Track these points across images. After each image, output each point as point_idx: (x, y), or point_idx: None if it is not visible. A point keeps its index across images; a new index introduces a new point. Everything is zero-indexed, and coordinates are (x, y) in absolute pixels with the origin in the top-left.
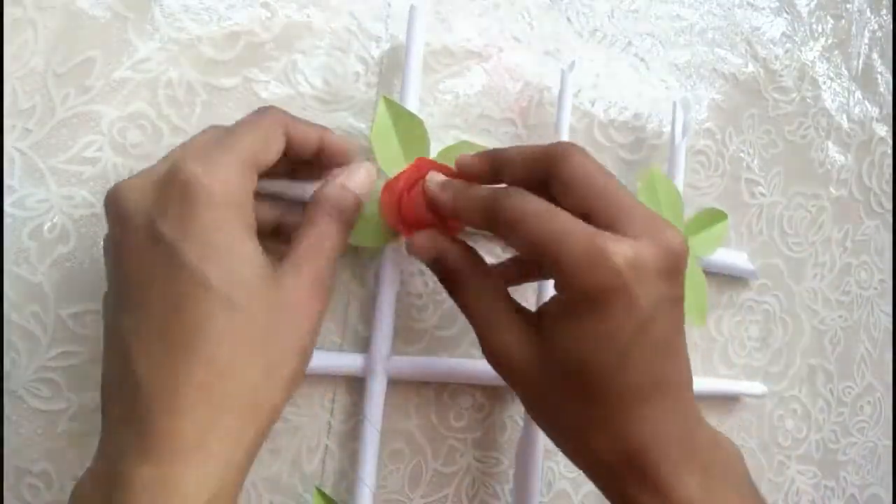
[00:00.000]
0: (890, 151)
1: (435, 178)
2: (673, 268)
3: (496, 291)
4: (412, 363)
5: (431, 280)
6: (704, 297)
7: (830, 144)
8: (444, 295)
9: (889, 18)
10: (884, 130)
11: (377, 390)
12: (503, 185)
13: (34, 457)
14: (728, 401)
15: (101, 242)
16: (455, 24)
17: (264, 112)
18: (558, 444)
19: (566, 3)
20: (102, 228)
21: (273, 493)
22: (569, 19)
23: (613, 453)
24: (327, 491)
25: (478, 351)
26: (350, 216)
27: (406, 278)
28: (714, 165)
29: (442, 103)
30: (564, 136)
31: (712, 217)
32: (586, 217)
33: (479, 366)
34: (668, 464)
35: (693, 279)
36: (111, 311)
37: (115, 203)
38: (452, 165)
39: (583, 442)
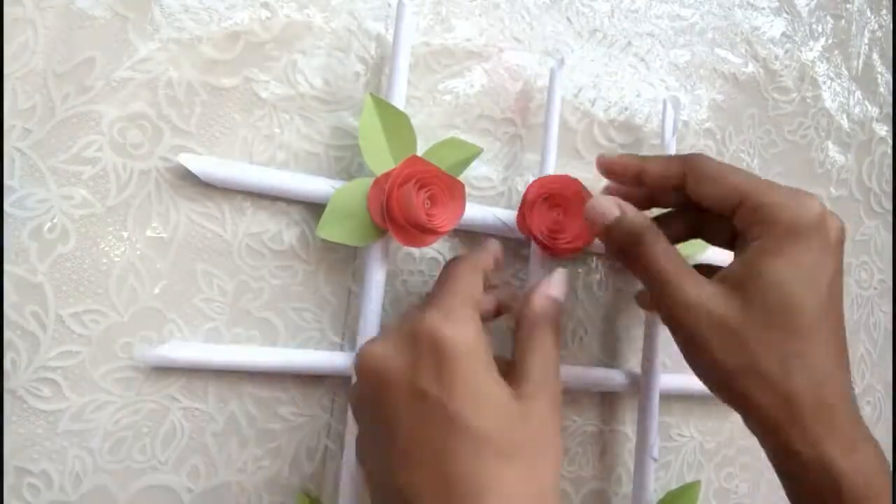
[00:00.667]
0: (890, 151)
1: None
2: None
3: (675, 249)
4: None
5: (432, 280)
6: None
7: (830, 144)
8: None
9: (889, 18)
10: (884, 130)
11: None
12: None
13: (34, 457)
14: None
15: (101, 243)
16: (455, 24)
17: (459, 261)
18: (746, 391)
19: (566, 3)
20: (102, 228)
21: (273, 493)
22: (569, 19)
23: (809, 389)
24: (327, 491)
25: None
26: (559, 323)
27: (406, 277)
28: None
29: (442, 103)
30: (554, 133)
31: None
32: (737, 204)
33: None
34: (844, 403)
35: None
36: (384, 464)
37: (372, 365)
38: (442, 162)
39: (777, 381)
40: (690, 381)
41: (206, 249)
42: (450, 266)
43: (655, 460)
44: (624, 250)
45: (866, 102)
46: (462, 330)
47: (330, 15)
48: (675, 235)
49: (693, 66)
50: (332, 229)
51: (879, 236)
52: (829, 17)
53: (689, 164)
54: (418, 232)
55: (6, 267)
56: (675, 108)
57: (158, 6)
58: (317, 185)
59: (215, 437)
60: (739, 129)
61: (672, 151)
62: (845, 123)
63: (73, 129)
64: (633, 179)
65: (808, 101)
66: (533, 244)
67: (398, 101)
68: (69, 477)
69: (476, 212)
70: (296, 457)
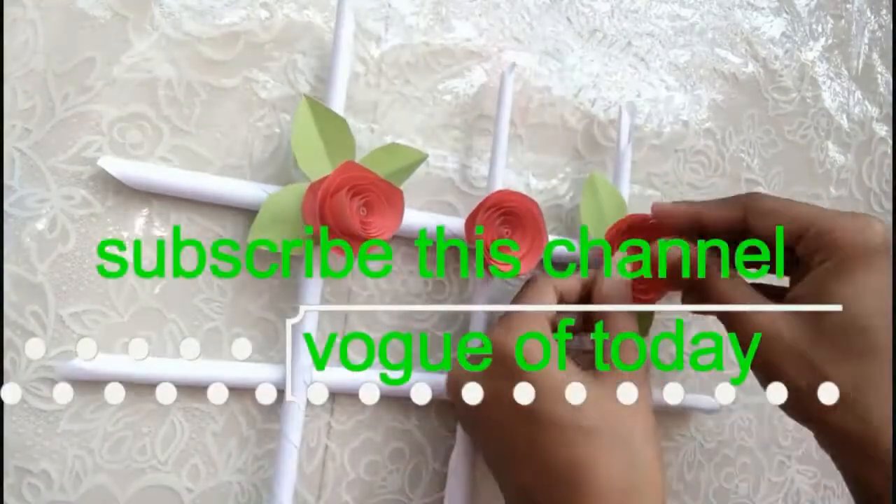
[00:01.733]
0: (890, 151)
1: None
2: None
3: (741, 278)
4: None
5: (431, 281)
6: (648, 325)
7: (830, 144)
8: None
9: (889, 18)
10: (884, 130)
11: (295, 407)
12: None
13: (34, 457)
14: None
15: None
16: (455, 24)
17: (532, 280)
18: (811, 413)
19: (566, 3)
20: (102, 228)
21: (273, 493)
22: (569, 19)
23: (881, 407)
24: (327, 491)
25: None
26: (631, 301)
27: (406, 277)
28: (714, 165)
29: (441, 103)
30: (503, 142)
31: None
32: (798, 236)
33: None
34: None
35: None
36: (503, 473)
37: (455, 389)
38: (382, 168)
39: (849, 403)
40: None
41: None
42: (524, 285)
43: None
44: (691, 284)
45: (866, 102)
46: (528, 340)
47: (330, 15)
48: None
49: (693, 66)
50: (264, 234)
51: None
52: (829, 17)
53: (748, 204)
54: (353, 240)
55: (6, 267)
56: (630, 115)
57: (158, 6)
58: (248, 191)
59: (215, 437)
60: (739, 129)
61: (628, 160)
62: (845, 123)
63: (73, 129)
64: (690, 226)
65: (808, 101)
66: (477, 263)
67: (337, 106)
68: (69, 477)
69: (420, 218)
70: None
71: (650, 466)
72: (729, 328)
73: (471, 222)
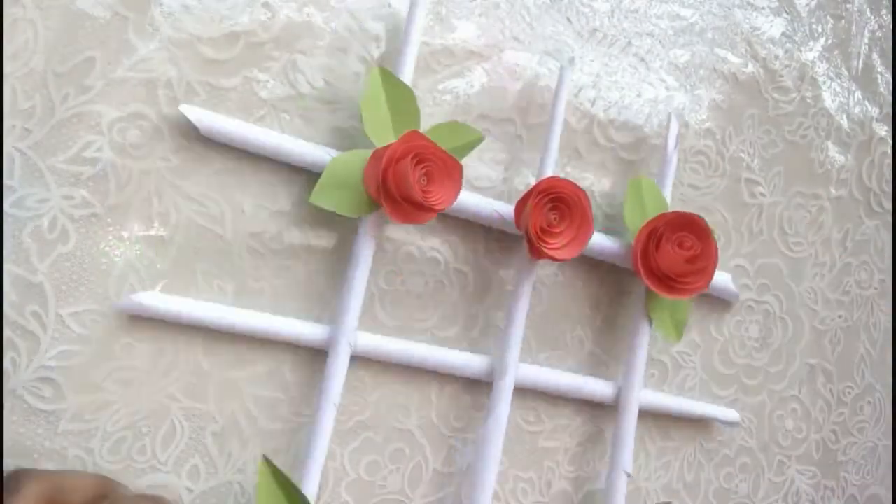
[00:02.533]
0: (890, 151)
1: None
2: None
3: None
4: (376, 342)
5: (432, 279)
6: (685, 314)
7: (830, 144)
8: (445, 294)
9: (889, 18)
10: (884, 130)
11: (340, 360)
12: None
13: (34, 457)
14: (728, 401)
15: (101, 243)
16: (455, 24)
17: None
18: None
19: (566, 3)
20: (102, 228)
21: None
22: (569, 19)
23: None
24: (327, 491)
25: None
26: None
27: (407, 277)
28: (714, 165)
29: (442, 103)
30: (557, 133)
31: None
32: None
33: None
34: None
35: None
36: None
37: None
38: (443, 143)
39: None
40: (669, 400)
41: (206, 250)
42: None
43: (629, 475)
44: None
45: (866, 102)
46: None
47: (330, 15)
48: None
49: (693, 66)
50: (325, 197)
51: (879, 236)
52: (829, 17)
53: None
54: (413, 208)
55: (6, 267)
56: (678, 121)
57: (158, 6)
58: (314, 152)
59: (215, 437)
60: (739, 129)
61: (674, 163)
62: (845, 123)
63: (73, 129)
64: None
65: (808, 101)
66: (525, 246)
67: (406, 76)
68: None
69: (475, 201)
70: (296, 457)
71: None
72: None
73: (520, 206)
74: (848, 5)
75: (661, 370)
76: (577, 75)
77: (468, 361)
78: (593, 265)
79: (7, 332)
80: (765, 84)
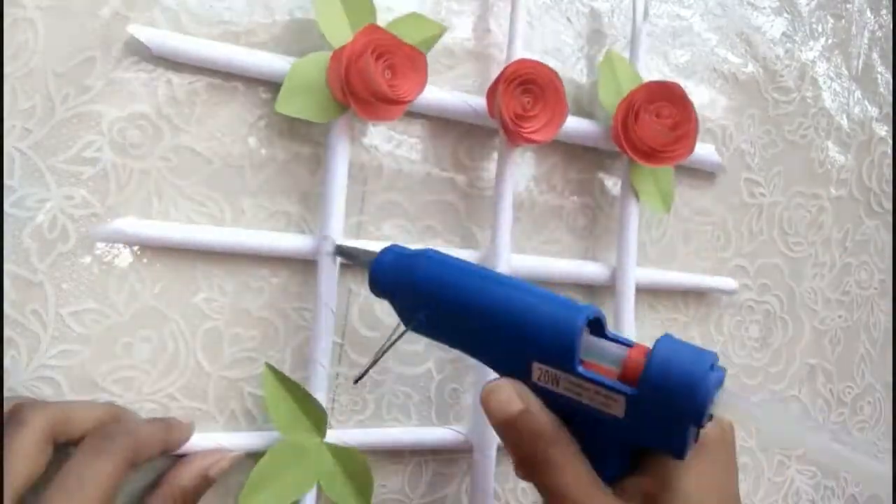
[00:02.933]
0: (890, 151)
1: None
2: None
3: (581, 456)
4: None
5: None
6: (670, 185)
7: (830, 144)
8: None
9: (889, 18)
10: (884, 130)
11: (326, 267)
12: None
13: None
14: None
15: (99, 243)
16: (455, 24)
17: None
18: None
19: (566, 3)
20: (102, 228)
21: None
22: (569, 19)
23: None
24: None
25: None
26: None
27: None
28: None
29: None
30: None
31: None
32: None
33: None
34: None
35: (660, 171)
36: None
37: None
38: (402, 36)
39: None
40: (668, 276)
41: (206, 249)
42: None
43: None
44: (524, 453)
45: (866, 102)
46: None
47: None
48: None
49: (693, 66)
50: (290, 104)
51: (879, 236)
52: (829, 17)
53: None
54: (382, 104)
55: (6, 267)
56: None
57: (158, 6)
58: (272, 62)
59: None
60: (739, 129)
61: (643, 36)
62: (845, 123)
63: (73, 129)
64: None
65: (808, 101)
66: (501, 134)
67: None
68: None
69: (445, 96)
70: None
71: None
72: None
73: (491, 94)
74: (848, 5)
75: None
76: (578, 75)
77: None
78: (573, 153)
79: (7, 331)
80: (765, 84)
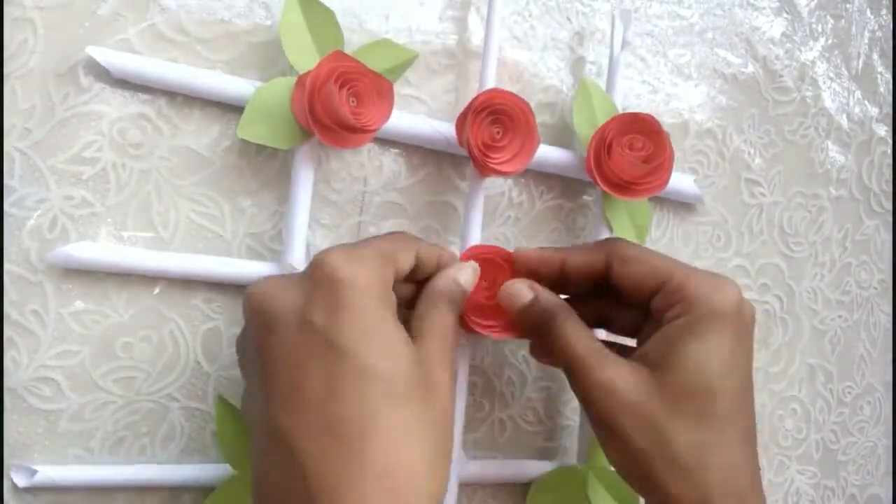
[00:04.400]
0: (890, 151)
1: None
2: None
3: (589, 330)
4: None
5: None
6: (646, 218)
7: (830, 144)
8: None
9: (889, 18)
10: (884, 130)
11: None
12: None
13: (34, 457)
14: None
15: (101, 243)
16: (455, 23)
17: (399, 232)
18: (658, 478)
19: (566, 3)
20: (101, 228)
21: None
22: (569, 19)
23: (722, 479)
24: None
25: None
26: (459, 306)
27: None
28: (714, 165)
29: (442, 103)
30: (493, 50)
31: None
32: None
33: None
34: (754, 493)
35: (636, 203)
36: (265, 408)
37: (260, 300)
38: (373, 65)
39: (692, 469)
40: None
41: (206, 250)
42: (394, 232)
43: None
44: (538, 331)
45: (866, 102)
46: (363, 270)
47: None
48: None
49: (693, 66)
50: (252, 130)
51: (879, 236)
52: (829, 17)
53: (611, 249)
54: (345, 132)
55: (6, 267)
56: (624, 23)
57: (158, 6)
58: (237, 85)
59: (215, 437)
60: (739, 129)
61: (621, 66)
62: (845, 123)
63: (73, 129)
64: (554, 273)
65: (808, 101)
66: (471, 165)
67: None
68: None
69: (413, 122)
70: None
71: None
72: (571, 380)
73: (461, 123)
74: (848, 5)
75: None
76: (577, 75)
77: None
78: (548, 181)
79: (7, 331)
80: (765, 84)
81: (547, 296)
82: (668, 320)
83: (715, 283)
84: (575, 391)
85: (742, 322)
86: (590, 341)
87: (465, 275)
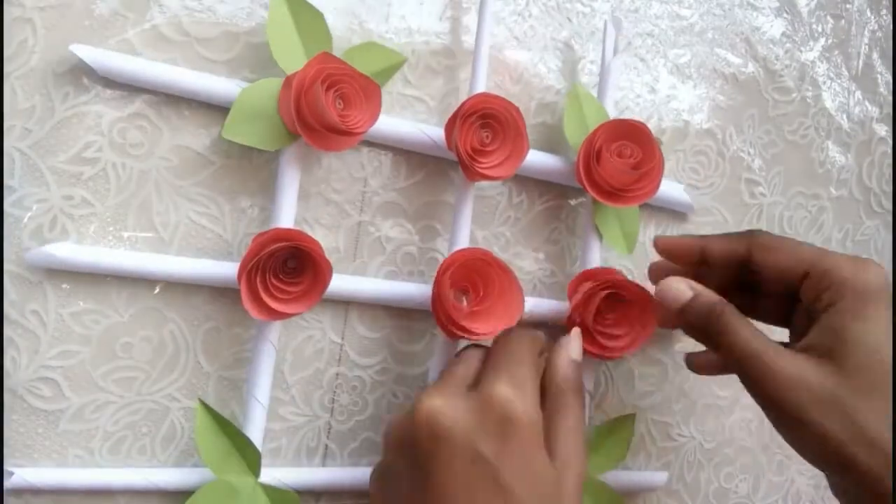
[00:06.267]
0: (890, 151)
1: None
2: None
3: (753, 324)
4: None
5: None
6: (636, 226)
7: (830, 144)
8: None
9: (889, 18)
10: (884, 130)
11: None
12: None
13: (34, 457)
14: (729, 401)
15: (101, 243)
16: (455, 23)
17: (522, 335)
18: (855, 459)
19: (566, 3)
20: (103, 228)
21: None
22: (569, 19)
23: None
24: (326, 492)
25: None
26: (582, 386)
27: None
28: (714, 165)
29: (443, 104)
30: (485, 49)
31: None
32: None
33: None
34: None
35: (625, 211)
36: None
37: (429, 417)
38: (362, 67)
39: (886, 445)
40: None
41: (207, 250)
42: (512, 337)
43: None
44: (704, 329)
45: (866, 102)
46: (531, 406)
47: (330, 16)
48: None
49: (693, 66)
50: (238, 131)
51: (879, 236)
52: (829, 17)
53: (754, 238)
54: (332, 134)
55: (6, 267)
56: (616, 28)
57: (158, 6)
58: (223, 85)
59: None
60: (739, 129)
61: (613, 73)
62: (845, 123)
63: (72, 129)
64: (695, 260)
65: (808, 101)
66: (460, 170)
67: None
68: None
69: (402, 126)
70: (296, 457)
71: None
72: (747, 377)
73: (450, 126)
74: (848, 5)
75: (661, 370)
76: (577, 76)
77: (414, 292)
78: (539, 186)
79: (7, 332)
80: (765, 84)
81: (707, 292)
82: (824, 307)
83: (860, 264)
84: (752, 388)
85: (889, 293)
86: (760, 335)
87: (576, 348)
